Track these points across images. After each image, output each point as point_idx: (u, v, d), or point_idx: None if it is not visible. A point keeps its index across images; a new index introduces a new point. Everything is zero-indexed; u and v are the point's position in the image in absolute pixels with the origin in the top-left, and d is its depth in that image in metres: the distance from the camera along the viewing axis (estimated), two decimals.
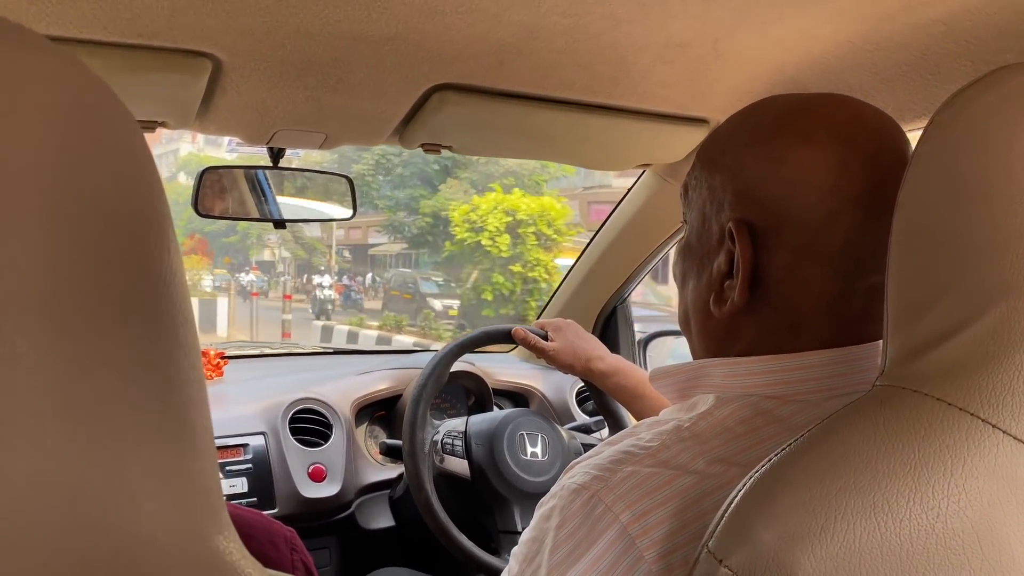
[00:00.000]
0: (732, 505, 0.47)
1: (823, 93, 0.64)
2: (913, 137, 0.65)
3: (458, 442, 1.40)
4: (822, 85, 0.97)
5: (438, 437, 1.44)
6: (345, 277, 22.39)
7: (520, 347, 1.96)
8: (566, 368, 1.33)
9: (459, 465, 1.39)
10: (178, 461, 0.25)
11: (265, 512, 1.38)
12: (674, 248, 1.69)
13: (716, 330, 0.66)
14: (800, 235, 0.59)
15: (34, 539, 0.20)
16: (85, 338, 0.22)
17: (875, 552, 0.43)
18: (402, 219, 18.53)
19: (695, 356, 0.71)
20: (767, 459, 0.48)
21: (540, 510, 0.61)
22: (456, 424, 1.45)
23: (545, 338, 1.36)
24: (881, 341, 0.61)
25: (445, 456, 1.42)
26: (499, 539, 1.36)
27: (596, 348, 1.32)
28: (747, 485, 0.47)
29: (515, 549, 0.63)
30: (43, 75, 0.23)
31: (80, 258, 0.22)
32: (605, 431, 1.55)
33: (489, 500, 1.38)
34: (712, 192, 0.65)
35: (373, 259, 23.84)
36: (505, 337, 1.40)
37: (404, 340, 13.34)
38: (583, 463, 0.61)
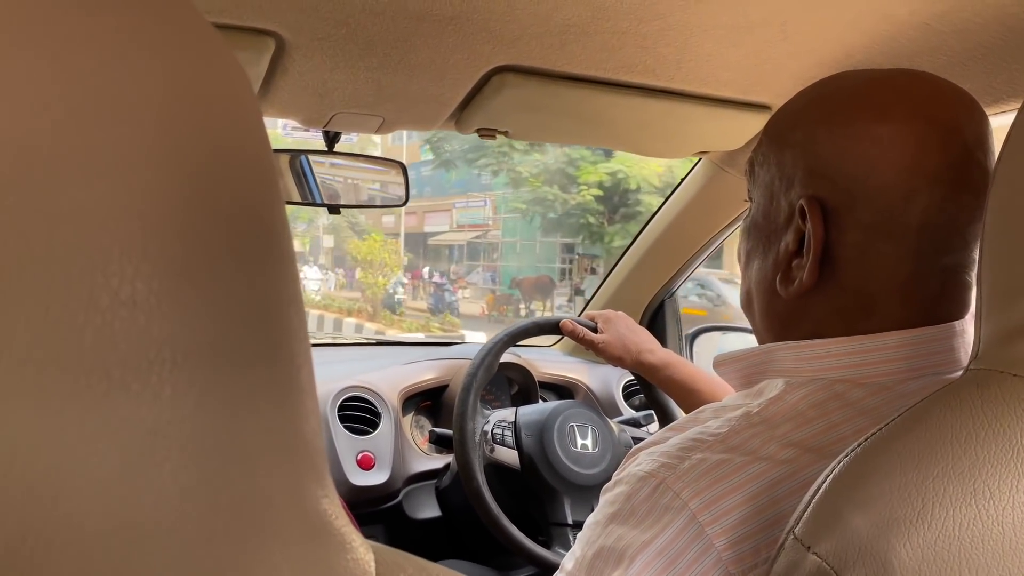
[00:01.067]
0: (821, 490, 0.46)
1: (899, 68, 0.62)
2: (993, 121, 0.63)
3: (508, 432, 1.40)
4: None
5: (488, 427, 1.43)
6: (434, 272, 19.80)
7: (564, 340, 1.96)
8: (615, 360, 1.31)
9: (509, 455, 1.38)
10: (288, 419, 0.24)
11: None
12: (735, 235, 1.67)
13: (782, 311, 0.64)
14: (874, 213, 0.57)
15: (153, 492, 0.20)
16: (203, 285, 0.21)
17: (976, 540, 0.41)
18: (547, 193, 14.05)
19: (759, 337, 0.69)
20: (857, 443, 0.47)
21: (606, 495, 0.61)
22: (506, 414, 1.44)
23: (594, 330, 1.34)
24: (957, 323, 0.59)
25: (495, 446, 1.41)
26: (549, 531, 1.35)
27: (647, 341, 1.30)
28: (836, 469, 0.46)
29: (580, 534, 0.62)
30: (170, 29, 0.22)
31: (198, 206, 0.21)
32: (654, 425, 1.53)
33: (539, 491, 1.37)
34: (781, 168, 0.63)
35: (430, 251, 21.66)
36: (554, 328, 1.39)
37: None
38: (648, 450, 0.60)
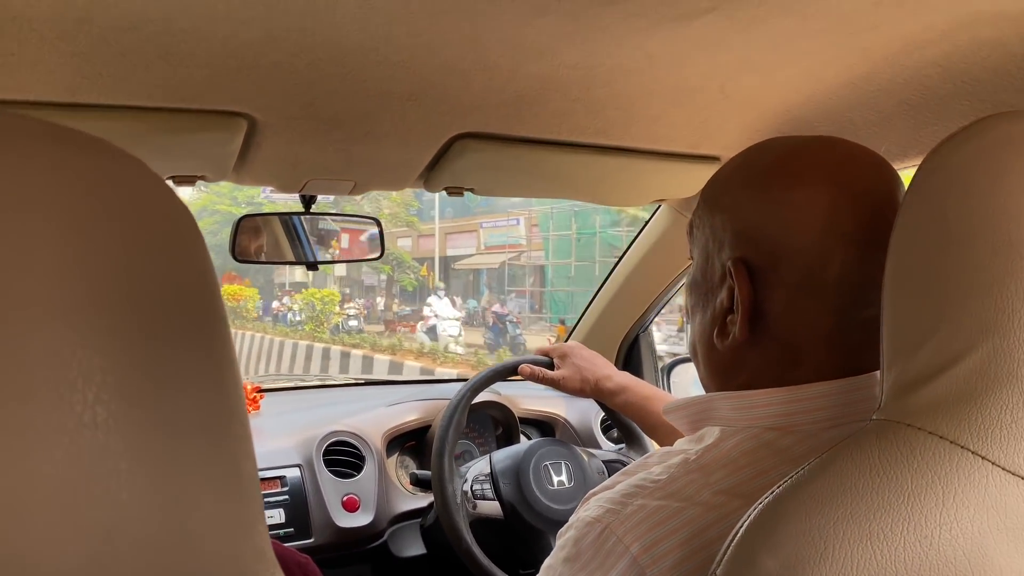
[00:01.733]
0: (738, 534, 0.49)
1: (817, 136, 0.67)
2: (908, 175, 0.68)
3: (487, 486, 1.42)
4: (826, 123, 1.00)
5: (467, 486, 1.45)
6: (497, 301, 17.61)
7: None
8: (576, 392, 1.35)
9: (491, 508, 1.41)
10: (232, 508, 0.28)
11: (302, 542, 1.42)
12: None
13: (720, 361, 0.68)
14: (796, 272, 0.62)
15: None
16: (153, 406, 0.25)
17: None
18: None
19: (703, 385, 0.74)
20: (771, 491, 0.50)
21: (559, 540, 0.64)
22: (481, 466, 1.47)
23: (551, 366, 1.38)
24: (878, 372, 0.64)
25: (477, 502, 1.43)
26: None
27: (602, 368, 1.34)
28: (752, 515, 0.50)
29: None
30: (118, 182, 0.27)
31: (147, 337, 0.26)
32: (627, 451, 1.57)
33: (525, 535, 1.40)
34: (714, 231, 0.68)
35: (453, 275, 19.59)
36: (513, 372, 1.43)
37: None
38: (598, 496, 0.64)
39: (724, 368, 0.69)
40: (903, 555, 0.45)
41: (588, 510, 0.62)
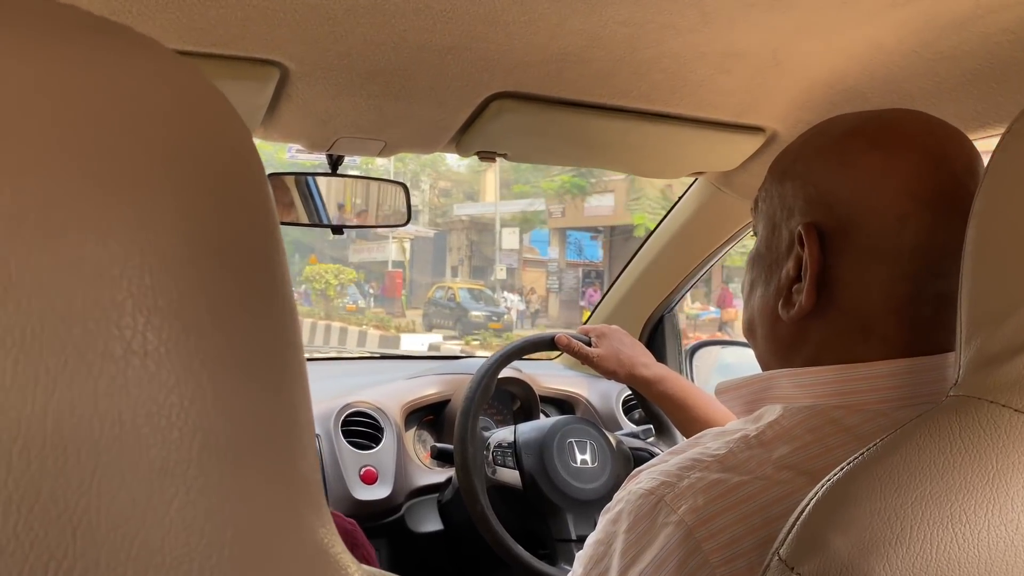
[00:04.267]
0: (805, 512, 0.47)
1: (893, 108, 0.65)
2: (979, 146, 0.65)
3: (508, 453, 1.41)
4: (883, 94, 0.96)
5: (489, 450, 1.45)
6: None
7: (565, 355, 1.98)
8: (609, 374, 1.32)
9: (511, 476, 1.40)
10: (287, 457, 0.26)
11: None
12: (721, 261, 1.69)
13: (784, 335, 0.66)
14: (869, 237, 0.60)
15: (162, 527, 0.22)
16: (208, 335, 0.23)
17: (952, 564, 0.43)
18: None
19: (761, 361, 0.71)
20: (840, 467, 0.48)
21: (607, 515, 0.62)
22: (505, 434, 1.45)
23: (589, 344, 1.36)
24: (951, 353, 0.61)
25: (497, 468, 1.43)
26: (554, 547, 1.37)
27: (641, 355, 1.32)
28: (820, 493, 0.47)
29: (580, 553, 0.64)
30: (167, 85, 0.24)
31: (201, 259, 0.23)
32: (653, 439, 1.55)
33: (542, 509, 1.38)
34: (782, 199, 0.66)
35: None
36: (549, 344, 1.40)
37: None
38: (649, 469, 0.62)
39: (787, 343, 0.66)
40: (987, 538, 0.43)
41: (640, 483, 0.60)
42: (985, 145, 0.72)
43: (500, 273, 20.78)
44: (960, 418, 0.46)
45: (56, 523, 0.20)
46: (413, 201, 1.35)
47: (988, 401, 0.45)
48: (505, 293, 19.91)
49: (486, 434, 1.48)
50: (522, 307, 19.24)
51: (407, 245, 23.18)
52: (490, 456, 1.44)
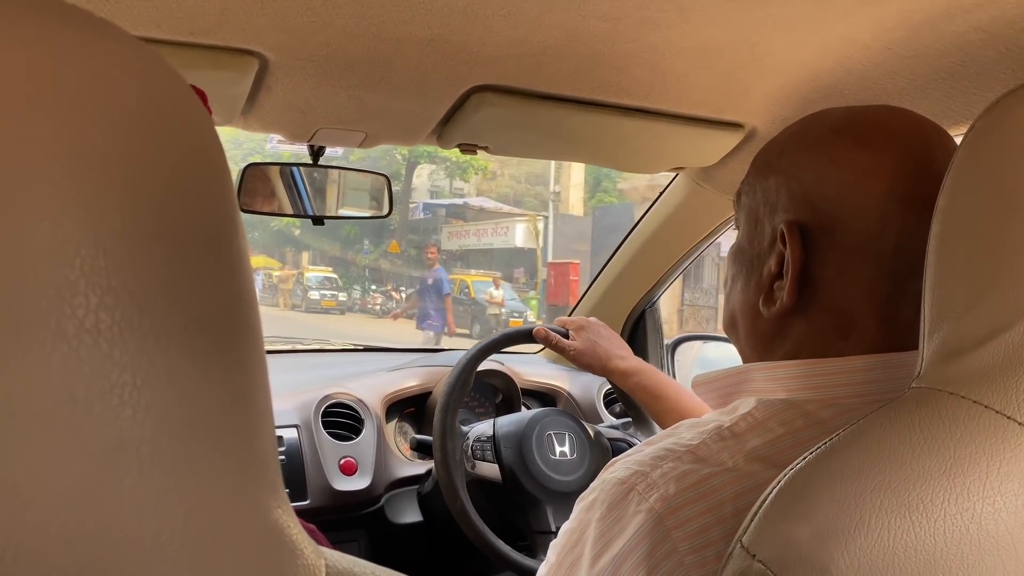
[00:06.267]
0: (767, 501, 0.48)
1: (877, 105, 0.65)
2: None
3: (488, 447, 1.41)
4: (859, 91, 0.97)
5: (468, 443, 1.45)
6: None
7: (548, 349, 1.98)
8: (586, 367, 1.32)
9: (490, 469, 1.40)
10: (242, 435, 0.26)
11: (297, 504, 1.40)
12: (706, 255, 1.69)
13: (764, 330, 0.67)
14: (853, 236, 0.60)
15: (113, 504, 0.22)
16: (162, 315, 0.23)
17: (909, 551, 0.43)
18: None
19: (742, 356, 0.72)
20: (802, 457, 0.48)
21: (581, 503, 0.63)
22: (484, 428, 1.46)
23: (567, 336, 1.36)
24: None
25: (476, 462, 1.43)
26: (534, 539, 1.37)
27: (618, 347, 1.32)
28: (782, 482, 0.48)
29: (554, 541, 0.64)
30: (127, 69, 0.24)
31: (156, 239, 0.23)
32: (632, 430, 1.56)
33: (521, 501, 1.39)
34: (766, 195, 0.66)
35: None
36: (527, 337, 1.41)
37: None
38: (624, 459, 0.62)
39: (767, 338, 0.67)
40: (944, 527, 0.43)
41: (614, 472, 0.61)
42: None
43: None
44: (920, 409, 0.46)
45: (6, 501, 0.20)
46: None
47: (948, 393, 0.46)
48: None
49: (465, 428, 1.49)
50: None
51: (540, 226, 18.44)
52: (469, 450, 1.44)
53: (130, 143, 0.23)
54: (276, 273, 23.06)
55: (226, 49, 0.85)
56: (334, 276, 21.96)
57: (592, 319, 1.39)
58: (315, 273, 21.90)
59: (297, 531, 0.29)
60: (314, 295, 20.03)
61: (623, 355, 1.30)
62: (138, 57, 0.25)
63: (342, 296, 20.71)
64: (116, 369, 0.22)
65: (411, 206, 23.07)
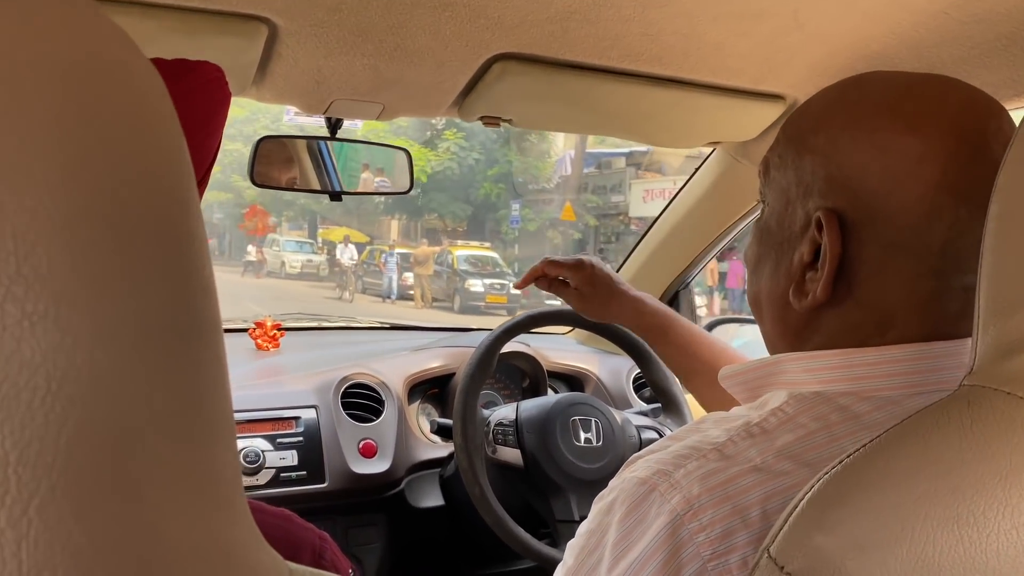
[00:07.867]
0: (798, 507, 0.44)
1: (929, 74, 0.59)
2: (1015, 116, 0.59)
3: (510, 431, 1.38)
4: (911, 60, 0.91)
5: (489, 428, 1.42)
6: None
7: (577, 330, 1.94)
8: (593, 305, 1.14)
9: (512, 455, 1.37)
10: (191, 448, 0.23)
11: (315, 486, 1.38)
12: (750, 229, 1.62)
13: (794, 322, 0.62)
14: (896, 231, 0.55)
15: (7, 530, 0.19)
16: (86, 308, 0.20)
17: (956, 567, 0.40)
18: None
19: (768, 342, 0.68)
20: (839, 460, 0.45)
21: (599, 504, 0.59)
22: (506, 412, 1.43)
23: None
24: (970, 339, 0.56)
25: (497, 447, 1.40)
26: (557, 528, 1.34)
27: (617, 283, 1.12)
28: (815, 486, 0.44)
29: (571, 542, 0.61)
30: (60, 24, 0.21)
31: (84, 223, 0.20)
32: (661, 417, 1.51)
33: (544, 489, 1.36)
34: (800, 175, 0.61)
35: None
36: (552, 319, 1.37)
37: None
38: (646, 457, 0.59)
39: (798, 329, 0.63)
40: (997, 544, 0.40)
41: (636, 470, 0.57)
42: (1018, 116, 0.67)
43: None
44: (973, 409, 0.42)
45: None
46: None
47: (1005, 392, 0.42)
48: None
49: (487, 412, 1.46)
50: None
51: None
52: (491, 434, 1.41)
53: (48, 105, 0.20)
54: (409, 252, 15.87)
55: (234, 15, 0.82)
56: (491, 255, 15.62)
57: (585, 256, 1.20)
58: (466, 251, 15.16)
59: (256, 547, 0.26)
60: (475, 286, 13.81)
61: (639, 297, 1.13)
62: (84, 22, 0.22)
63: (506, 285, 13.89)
64: (26, 370, 0.19)
65: (554, 160, 17.56)
